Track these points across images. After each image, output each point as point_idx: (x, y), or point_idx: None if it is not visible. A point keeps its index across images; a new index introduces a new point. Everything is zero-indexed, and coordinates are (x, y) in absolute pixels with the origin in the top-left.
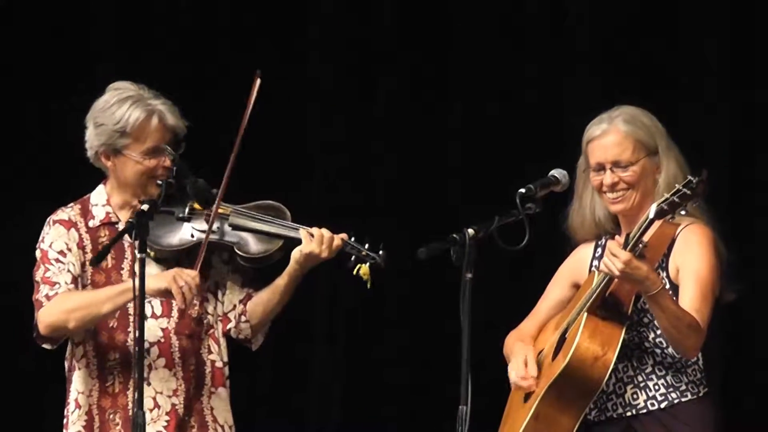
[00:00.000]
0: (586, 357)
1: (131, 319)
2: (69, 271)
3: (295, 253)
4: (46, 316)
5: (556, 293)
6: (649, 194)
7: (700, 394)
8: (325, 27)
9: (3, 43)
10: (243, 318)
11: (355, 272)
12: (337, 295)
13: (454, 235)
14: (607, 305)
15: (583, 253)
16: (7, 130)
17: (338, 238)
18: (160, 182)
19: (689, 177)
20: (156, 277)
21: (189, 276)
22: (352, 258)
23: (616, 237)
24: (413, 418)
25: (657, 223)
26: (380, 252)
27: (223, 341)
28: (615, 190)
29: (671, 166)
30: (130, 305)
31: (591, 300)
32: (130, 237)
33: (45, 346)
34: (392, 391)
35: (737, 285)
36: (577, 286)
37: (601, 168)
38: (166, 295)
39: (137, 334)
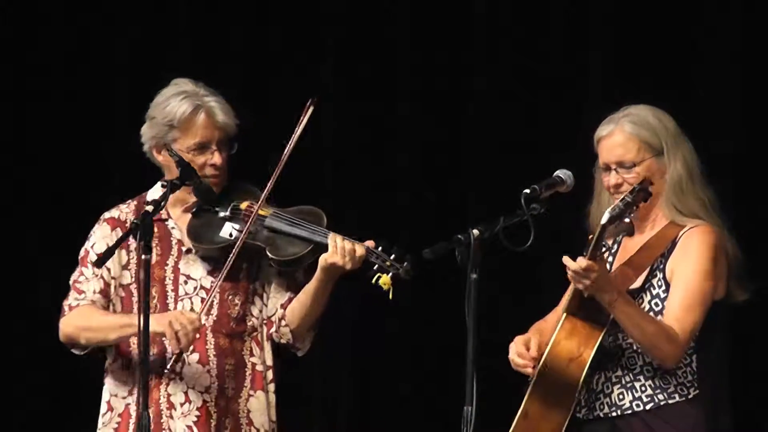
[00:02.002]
0: (561, 357)
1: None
2: (101, 277)
3: (321, 261)
4: (63, 326)
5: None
6: (657, 195)
7: (689, 396)
8: (341, 29)
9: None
10: (283, 322)
11: (374, 281)
12: (338, 295)
13: (459, 236)
14: (588, 306)
15: None
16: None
17: (361, 248)
18: (164, 182)
19: (634, 185)
20: (156, 318)
21: (187, 320)
22: (375, 267)
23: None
24: (417, 419)
25: (661, 223)
26: (405, 263)
27: (267, 345)
28: (620, 191)
29: (677, 167)
30: (171, 300)
31: (569, 300)
32: (134, 238)
33: (74, 351)
34: (395, 391)
35: (750, 285)
36: None
37: (607, 168)
38: (161, 336)
39: (142, 337)
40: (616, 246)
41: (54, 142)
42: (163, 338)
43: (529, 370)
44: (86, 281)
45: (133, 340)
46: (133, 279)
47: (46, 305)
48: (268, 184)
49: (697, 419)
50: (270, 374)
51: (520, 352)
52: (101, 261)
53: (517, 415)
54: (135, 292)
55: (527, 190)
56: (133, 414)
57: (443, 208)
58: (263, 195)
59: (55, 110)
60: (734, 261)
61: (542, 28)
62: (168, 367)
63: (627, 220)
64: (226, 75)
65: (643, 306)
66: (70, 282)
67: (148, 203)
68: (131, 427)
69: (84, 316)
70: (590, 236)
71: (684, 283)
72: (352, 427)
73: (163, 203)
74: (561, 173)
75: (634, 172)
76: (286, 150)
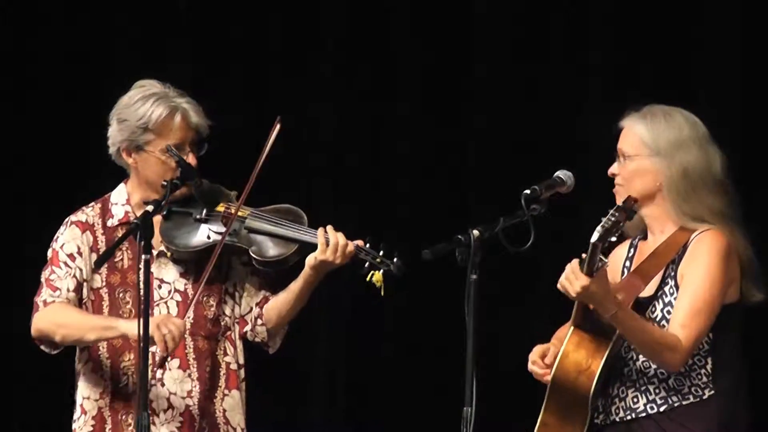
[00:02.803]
0: (570, 370)
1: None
2: (74, 276)
3: (310, 259)
4: (38, 322)
5: None
6: (650, 197)
7: (705, 397)
8: (342, 29)
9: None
10: (259, 321)
11: (368, 279)
12: (338, 295)
13: (459, 236)
14: (593, 318)
15: (619, 253)
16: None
17: (352, 245)
18: (164, 183)
19: (618, 203)
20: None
21: (173, 324)
22: (366, 264)
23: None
24: (417, 420)
25: (671, 228)
26: (395, 259)
27: (239, 343)
28: (615, 183)
29: (673, 173)
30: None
31: (574, 313)
32: (135, 239)
33: (43, 348)
34: (395, 391)
35: (765, 286)
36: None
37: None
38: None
39: (142, 337)
40: (633, 250)
41: (49, 142)
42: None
43: (548, 378)
44: (59, 279)
45: (103, 344)
46: (104, 283)
47: None
48: (246, 187)
49: (711, 420)
50: (243, 373)
51: (534, 360)
52: (100, 262)
53: (537, 426)
54: (106, 297)
55: (527, 191)
56: (108, 418)
57: (443, 208)
58: (242, 196)
59: (54, 109)
60: (747, 263)
61: (542, 27)
62: (153, 370)
63: (614, 239)
64: (225, 75)
65: (655, 314)
66: (42, 279)
67: (147, 202)
68: (107, 431)
69: (61, 313)
70: (583, 255)
71: (691, 288)
72: (350, 427)
73: (163, 203)
74: (561, 174)
75: (626, 164)
76: (257, 164)
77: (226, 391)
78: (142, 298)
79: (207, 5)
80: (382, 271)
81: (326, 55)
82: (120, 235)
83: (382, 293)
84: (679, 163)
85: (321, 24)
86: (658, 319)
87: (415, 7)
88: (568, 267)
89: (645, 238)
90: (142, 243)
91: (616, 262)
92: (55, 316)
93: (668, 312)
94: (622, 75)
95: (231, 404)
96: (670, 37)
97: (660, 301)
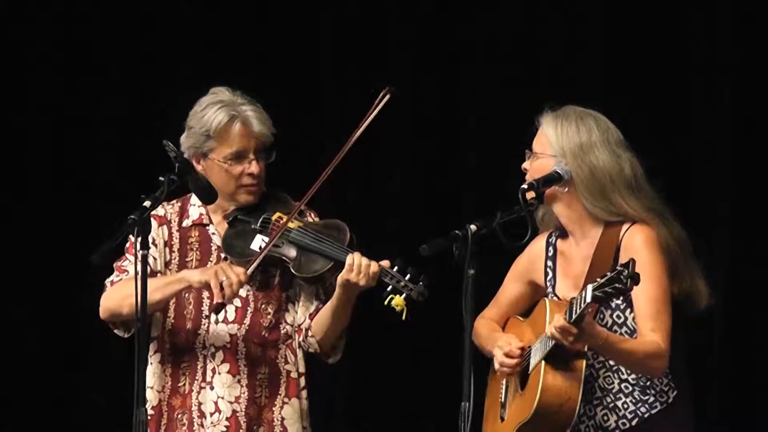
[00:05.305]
0: (552, 405)
1: (203, 322)
2: (147, 263)
3: (339, 279)
4: (104, 301)
5: (513, 289)
6: (553, 196)
7: (670, 400)
8: (339, 31)
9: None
10: (309, 332)
11: (386, 302)
12: None
13: (457, 232)
14: (563, 348)
15: (536, 249)
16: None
17: (376, 265)
18: (162, 178)
19: (617, 267)
20: (203, 269)
21: (233, 273)
22: (389, 288)
23: (556, 317)
24: (415, 414)
25: (599, 230)
26: (419, 284)
27: (300, 352)
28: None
29: (582, 175)
30: (205, 307)
31: (547, 350)
32: (132, 234)
33: (117, 332)
34: (393, 388)
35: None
36: (532, 283)
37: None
38: (207, 287)
39: (139, 333)
40: (552, 250)
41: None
42: (208, 288)
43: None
44: (129, 264)
45: (167, 343)
46: None
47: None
48: (302, 199)
49: (685, 419)
50: (303, 381)
51: (512, 352)
52: (100, 257)
53: None
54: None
55: (525, 186)
56: (165, 414)
57: (441, 205)
58: (295, 208)
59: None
60: (670, 257)
61: (542, 27)
62: (208, 315)
63: (619, 300)
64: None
65: (605, 321)
66: (114, 265)
67: (145, 198)
68: (162, 425)
69: (126, 286)
70: (572, 299)
71: (644, 293)
72: (348, 423)
73: (161, 198)
74: (558, 168)
75: (533, 163)
76: (350, 142)
77: (286, 399)
78: (141, 297)
79: (207, 4)
80: (404, 295)
81: (325, 55)
82: (197, 236)
83: (403, 318)
84: (586, 165)
85: (321, 20)
86: (609, 326)
87: (414, 5)
88: (557, 320)
89: (562, 236)
90: (140, 239)
91: (535, 261)
92: (120, 290)
93: (618, 317)
94: (622, 75)
95: (289, 412)
96: (670, 40)
97: (608, 308)
